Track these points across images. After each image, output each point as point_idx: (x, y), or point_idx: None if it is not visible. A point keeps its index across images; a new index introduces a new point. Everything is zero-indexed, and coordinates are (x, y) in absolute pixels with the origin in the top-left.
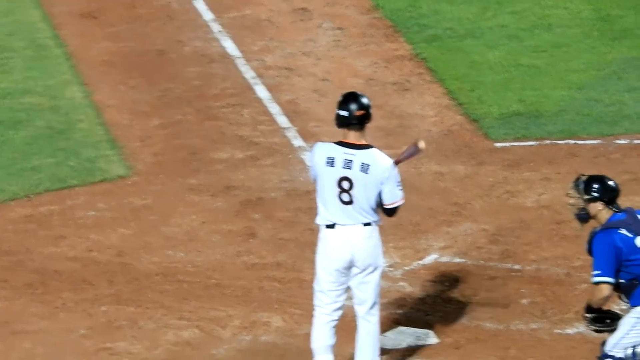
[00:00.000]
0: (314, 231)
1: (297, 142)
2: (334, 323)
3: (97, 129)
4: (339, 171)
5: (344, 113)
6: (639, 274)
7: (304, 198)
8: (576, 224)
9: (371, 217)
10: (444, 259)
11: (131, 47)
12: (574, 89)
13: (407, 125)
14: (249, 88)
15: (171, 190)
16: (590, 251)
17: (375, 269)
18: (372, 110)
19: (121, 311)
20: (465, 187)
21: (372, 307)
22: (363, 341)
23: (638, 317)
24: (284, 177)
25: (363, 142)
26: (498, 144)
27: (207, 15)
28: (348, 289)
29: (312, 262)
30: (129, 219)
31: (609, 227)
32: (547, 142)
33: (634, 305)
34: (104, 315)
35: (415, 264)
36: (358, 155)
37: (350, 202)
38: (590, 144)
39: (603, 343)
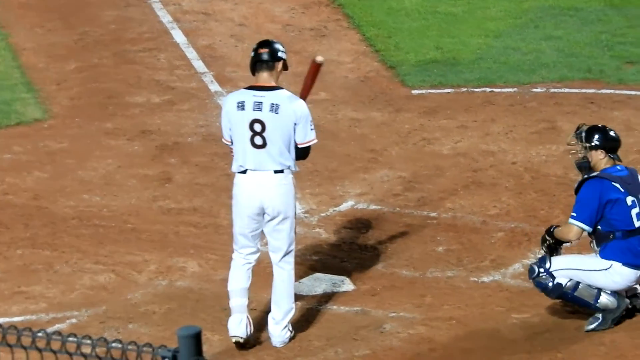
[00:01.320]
0: (230, 176)
1: (214, 87)
2: (250, 266)
3: (14, 72)
4: (249, 114)
5: (252, 54)
6: (618, 229)
7: (220, 143)
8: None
9: (284, 163)
10: (360, 205)
11: None
12: (491, 36)
13: (324, 72)
14: (166, 32)
15: (87, 134)
16: (577, 192)
17: (286, 217)
18: (285, 57)
19: (37, 255)
20: (382, 133)
21: (285, 255)
22: (278, 288)
23: (603, 269)
24: (201, 122)
25: (273, 84)
26: (415, 91)
27: None
28: (263, 234)
29: (228, 207)
30: (45, 162)
31: (603, 177)
32: (464, 89)
33: (603, 257)
34: (19, 259)
35: (332, 211)
36: (267, 97)
37: (263, 146)
38: (507, 92)
39: (542, 259)
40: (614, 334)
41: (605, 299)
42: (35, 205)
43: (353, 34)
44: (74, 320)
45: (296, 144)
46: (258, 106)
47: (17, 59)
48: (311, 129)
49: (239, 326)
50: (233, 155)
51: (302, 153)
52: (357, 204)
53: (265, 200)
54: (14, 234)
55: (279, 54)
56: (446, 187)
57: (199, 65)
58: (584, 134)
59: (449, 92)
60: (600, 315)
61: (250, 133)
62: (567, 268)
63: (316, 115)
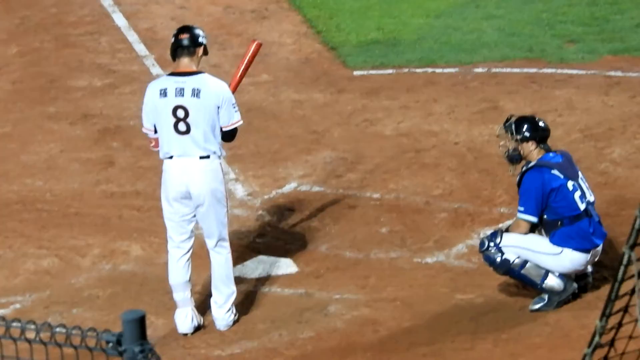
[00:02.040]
0: None
1: (156, 70)
2: (187, 257)
3: None
4: (172, 100)
5: (172, 40)
6: (565, 216)
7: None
8: (501, 164)
9: (209, 148)
10: (304, 187)
11: None
12: (432, 16)
13: (266, 53)
14: (107, 16)
15: (30, 118)
16: (519, 186)
17: (214, 203)
18: (205, 42)
19: None
20: (324, 115)
21: (220, 240)
22: (216, 273)
23: (553, 254)
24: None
25: (194, 69)
26: (357, 72)
27: None
28: (194, 219)
29: None
30: None
31: (541, 166)
32: (406, 70)
33: (554, 244)
34: None
35: (275, 193)
36: (188, 82)
37: (187, 132)
38: (449, 72)
39: (494, 233)
40: (558, 314)
41: (552, 281)
42: None
43: (294, 16)
44: (17, 306)
45: (221, 128)
46: (180, 92)
47: None
48: (235, 111)
49: (185, 321)
50: (151, 143)
51: (228, 136)
52: (300, 185)
53: (191, 186)
54: None
55: (200, 39)
56: (389, 167)
57: (140, 48)
58: (513, 126)
59: (390, 73)
60: (545, 296)
61: (174, 119)
62: (517, 246)
63: (258, 97)
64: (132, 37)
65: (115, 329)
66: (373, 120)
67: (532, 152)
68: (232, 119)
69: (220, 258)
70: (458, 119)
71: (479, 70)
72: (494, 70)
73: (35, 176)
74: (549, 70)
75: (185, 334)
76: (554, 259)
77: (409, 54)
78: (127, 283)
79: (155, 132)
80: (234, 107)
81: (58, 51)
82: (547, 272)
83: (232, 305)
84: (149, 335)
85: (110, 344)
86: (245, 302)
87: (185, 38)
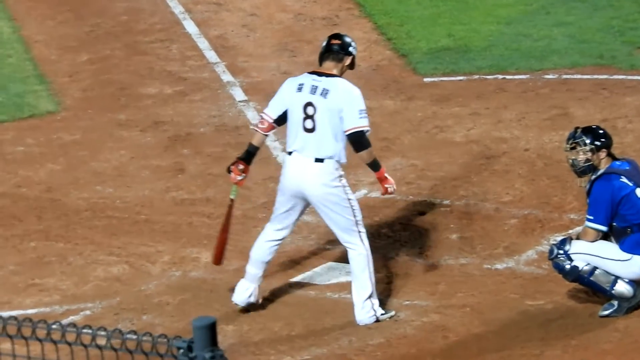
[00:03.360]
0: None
1: (226, 77)
2: (276, 242)
3: (26, 64)
4: (305, 96)
5: (323, 43)
6: (634, 223)
7: (233, 133)
8: (569, 176)
9: (327, 151)
10: (374, 194)
11: None
12: (503, 23)
13: None
14: (178, 23)
15: (100, 125)
16: (589, 195)
17: (330, 205)
18: (355, 53)
19: (50, 247)
20: (394, 122)
21: (349, 237)
22: (350, 267)
23: (622, 260)
24: (213, 112)
25: (334, 72)
26: (427, 79)
27: None
28: (300, 216)
29: (241, 197)
30: (58, 155)
31: (611, 173)
32: (476, 77)
33: (623, 251)
34: (33, 251)
35: None
36: (323, 82)
37: (312, 130)
38: (519, 78)
39: (563, 241)
40: (627, 320)
41: (621, 287)
42: (49, 197)
43: (365, 23)
44: (87, 312)
45: (344, 131)
46: (313, 90)
47: (29, 51)
48: (360, 117)
49: (244, 293)
50: (261, 124)
51: (353, 142)
52: (370, 192)
53: (303, 187)
54: (28, 227)
55: (350, 48)
56: (459, 174)
57: (211, 55)
58: (584, 137)
59: (461, 80)
60: (615, 302)
61: (303, 115)
62: (585, 253)
63: None
64: (203, 44)
65: (185, 336)
66: (443, 127)
67: (602, 160)
68: (354, 123)
69: (351, 252)
70: (528, 126)
71: (549, 77)
72: (564, 77)
73: (105, 183)
74: (620, 77)
75: (237, 305)
76: (623, 266)
77: (479, 60)
78: (196, 290)
79: (276, 122)
80: (360, 113)
81: (128, 59)
82: (616, 278)
83: (365, 302)
84: (219, 342)
85: (182, 351)
86: (315, 308)
87: (336, 44)
